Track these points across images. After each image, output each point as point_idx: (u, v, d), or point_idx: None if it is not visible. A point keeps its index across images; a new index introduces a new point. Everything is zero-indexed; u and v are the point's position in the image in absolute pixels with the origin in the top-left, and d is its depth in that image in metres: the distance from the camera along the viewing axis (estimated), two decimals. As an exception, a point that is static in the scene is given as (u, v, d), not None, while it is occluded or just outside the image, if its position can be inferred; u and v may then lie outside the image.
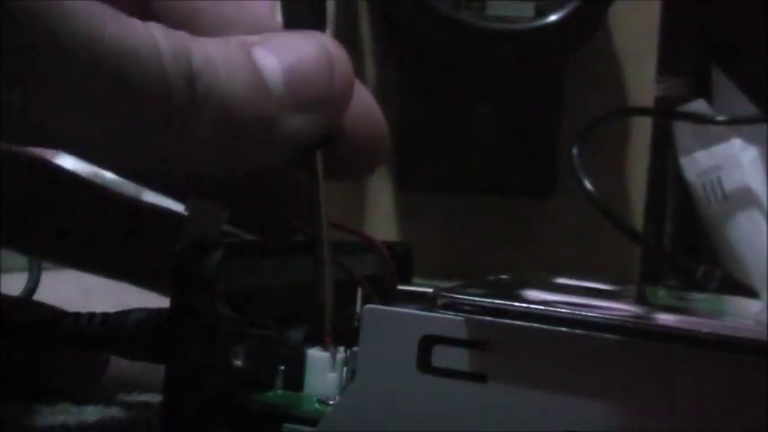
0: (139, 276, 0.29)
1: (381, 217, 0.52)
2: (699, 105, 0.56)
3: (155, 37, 0.19)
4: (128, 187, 0.30)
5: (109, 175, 0.27)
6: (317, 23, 0.23)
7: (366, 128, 0.25)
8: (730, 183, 0.55)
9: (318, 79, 0.22)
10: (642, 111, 0.52)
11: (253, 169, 0.23)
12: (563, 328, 0.18)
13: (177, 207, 0.28)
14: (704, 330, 0.18)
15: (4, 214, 0.27)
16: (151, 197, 0.29)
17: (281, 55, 0.21)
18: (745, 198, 0.54)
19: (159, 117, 0.19)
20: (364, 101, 0.25)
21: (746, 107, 0.56)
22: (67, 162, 0.28)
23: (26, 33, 0.17)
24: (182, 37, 0.20)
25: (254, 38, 0.21)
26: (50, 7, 0.17)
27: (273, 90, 0.21)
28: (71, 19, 0.18)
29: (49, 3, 0.17)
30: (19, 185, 0.27)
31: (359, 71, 0.50)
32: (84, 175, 0.29)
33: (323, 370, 0.21)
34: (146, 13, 0.24)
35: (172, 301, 0.21)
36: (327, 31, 0.23)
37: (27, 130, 0.19)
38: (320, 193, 0.23)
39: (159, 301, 0.26)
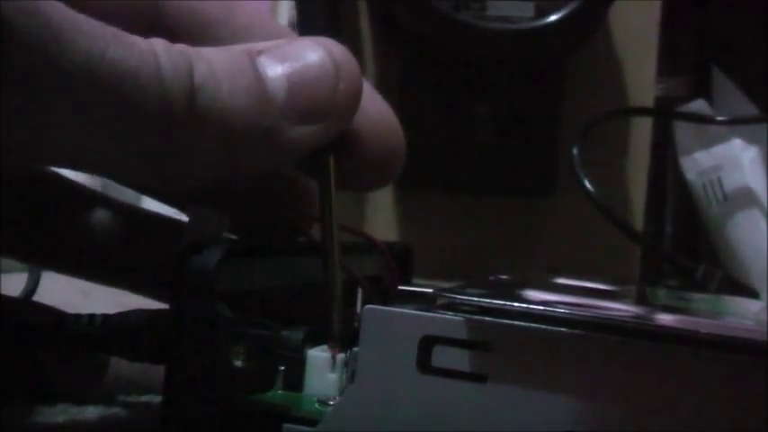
0: (138, 284, 0.29)
1: (381, 217, 0.52)
2: (699, 105, 0.56)
3: (156, 54, 0.19)
4: (126, 194, 0.30)
5: (108, 183, 0.27)
6: (329, 23, 0.23)
7: (382, 138, 0.25)
8: (730, 183, 0.55)
9: (323, 87, 0.21)
10: (642, 111, 0.52)
11: (257, 175, 0.22)
12: (563, 329, 0.18)
13: (176, 214, 0.28)
14: (704, 330, 0.18)
15: (4, 222, 0.27)
16: (150, 204, 0.29)
17: (286, 63, 0.21)
18: (746, 198, 0.54)
19: (161, 133, 0.19)
20: (381, 110, 0.25)
21: (746, 107, 0.56)
22: (65, 170, 0.28)
23: (27, 61, 0.17)
24: (184, 51, 0.20)
25: (259, 45, 0.21)
26: (51, 33, 0.17)
27: (277, 99, 0.21)
28: (72, 44, 0.18)
29: (49, 29, 0.17)
30: (18, 193, 0.27)
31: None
32: (82, 182, 0.29)
33: (323, 370, 0.21)
34: (157, 26, 0.24)
35: (172, 302, 0.21)
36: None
37: (30, 151, 0.19)
38: (332, 199, 0.23)
39: (158, 303, 0.26)
